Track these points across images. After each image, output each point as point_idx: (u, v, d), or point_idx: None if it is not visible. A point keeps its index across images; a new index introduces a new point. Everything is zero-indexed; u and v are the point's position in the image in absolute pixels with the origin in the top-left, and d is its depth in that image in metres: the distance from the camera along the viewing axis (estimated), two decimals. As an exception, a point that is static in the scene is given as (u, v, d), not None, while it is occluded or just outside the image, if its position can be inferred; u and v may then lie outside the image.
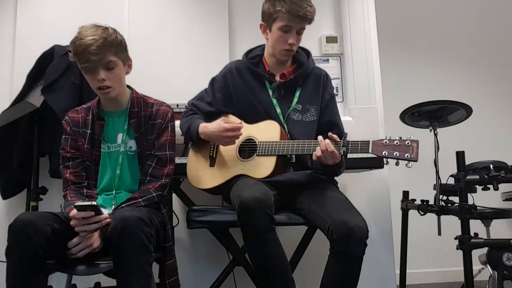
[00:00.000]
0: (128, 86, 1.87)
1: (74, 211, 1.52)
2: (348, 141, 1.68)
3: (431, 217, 2.35)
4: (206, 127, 1.90)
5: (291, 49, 1.92)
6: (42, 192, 2.22)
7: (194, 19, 2.68)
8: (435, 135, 2.32)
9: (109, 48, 1.66)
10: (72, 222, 1.54)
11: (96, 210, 1.52)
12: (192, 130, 1.94)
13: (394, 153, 1.59)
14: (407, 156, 1.58)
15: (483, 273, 2.53)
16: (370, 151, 1.64)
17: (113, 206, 1.74)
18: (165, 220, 1.78)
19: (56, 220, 1.55)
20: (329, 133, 1.71)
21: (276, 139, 1.85)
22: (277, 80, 1.99)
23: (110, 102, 1.81)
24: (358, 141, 1.67)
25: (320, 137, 1.71)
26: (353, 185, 2.57)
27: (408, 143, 1.59)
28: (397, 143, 1.60)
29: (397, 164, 1.62)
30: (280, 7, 1.86)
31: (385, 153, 1.61)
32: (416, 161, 1.57)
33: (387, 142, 1.62)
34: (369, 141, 1.65)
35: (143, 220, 1.47)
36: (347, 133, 1.76)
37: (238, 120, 1.91)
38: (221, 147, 1.95)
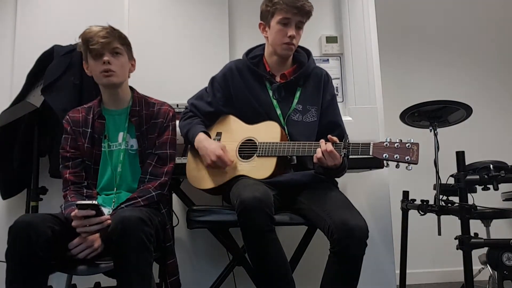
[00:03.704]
0: (131, 87, 1.89)
1: (76, 210, 1.53)
2: (349, 143, 1.68)
3: (431, 217, 2.35)
4: (202, 142, 1.91)
5: (291, 42, 1.91)
6: (42, 192, 2.22)
7: (194, 19, 2.67)
8: (435, 135, 2.32)
9: (116, 37, 1.77)
10: (73, 223, 1.55)
11: (97, 209, 1.53)
12: (190, 137, 1.96)
13: (395, 156, 1.59)
14: (408, 158, 1.57)
15: (483, 273, 2.53)
16: (370, 153, 1.63)
17: (113, 205, 1.74)
18: (165, 220, 1.78)
19: (56, 222, 1.55)
20: (329, 136, 1.71)
21: (276, 140, 1.85)
22: (277, 81, 1.99)
23: (112, 97, 1.82)
24: (359, 144, 1.66)
25: (322, 140, 1.71)
26: (353, 185, 2.58)
27: (408, 145, 1.59)
28: (397, 145, 1.60)
29: (397, 166, 1.62)
30: (278, 0, 1.87)
31: (385, 156, 1.60)
32: (417, 163, 1.57)
33: (388, 144, 1.61)
34: (369, 144, 1.65)
35: (143, 220, 1.48)
36: (348, 135, 1.75)
37: (233, 159, 1.89)
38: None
